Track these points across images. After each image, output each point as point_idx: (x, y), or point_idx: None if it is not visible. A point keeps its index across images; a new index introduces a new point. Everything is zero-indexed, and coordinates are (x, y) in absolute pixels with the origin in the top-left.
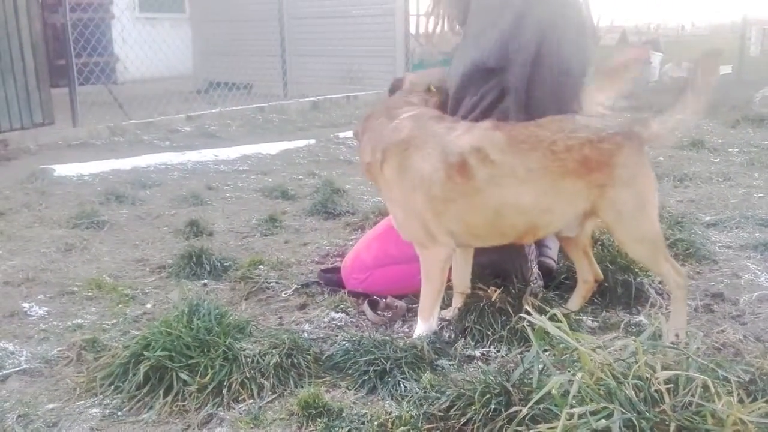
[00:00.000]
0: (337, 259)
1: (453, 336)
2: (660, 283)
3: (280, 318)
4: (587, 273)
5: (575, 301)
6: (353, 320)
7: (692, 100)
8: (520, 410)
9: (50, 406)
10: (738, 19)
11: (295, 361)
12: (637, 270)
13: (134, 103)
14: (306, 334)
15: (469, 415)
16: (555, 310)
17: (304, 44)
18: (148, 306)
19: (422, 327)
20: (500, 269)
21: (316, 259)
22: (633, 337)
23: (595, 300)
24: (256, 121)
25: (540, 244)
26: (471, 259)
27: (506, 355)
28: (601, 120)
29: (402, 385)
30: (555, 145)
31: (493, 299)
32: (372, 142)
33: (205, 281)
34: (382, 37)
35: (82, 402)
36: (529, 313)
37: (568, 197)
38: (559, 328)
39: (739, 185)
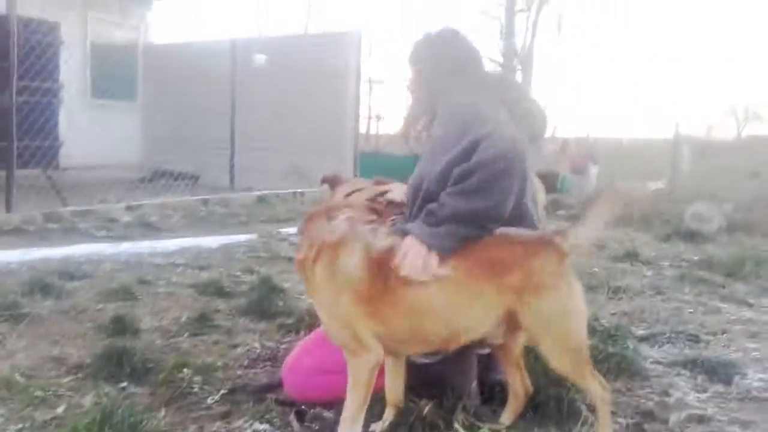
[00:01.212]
0: (267, 363)
1: None
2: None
3: (200, 428)
4: (519, 386)
5: (507, 416)
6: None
7: (598, 218)
8: None
9: None
10: (670, 135)
11: None
12: (569, 385)
13: (75, 190)
14: None
15: None
16: (485, 428)
17: (254, 138)
18: (59, 410)
19: None
20: (447, 383)
21: (245, 363)
22: None
23: (527, 415)
24: (199, 213)
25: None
26: (403, 370)
27: None
28: (523, 231)
29: None
30: (465, 248)
31: (424, 413)
32: (309, 239)
33: (124, 384)
34: (331, 135)
35: None
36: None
37: (480, 302)
38: None
39: (670, 299)
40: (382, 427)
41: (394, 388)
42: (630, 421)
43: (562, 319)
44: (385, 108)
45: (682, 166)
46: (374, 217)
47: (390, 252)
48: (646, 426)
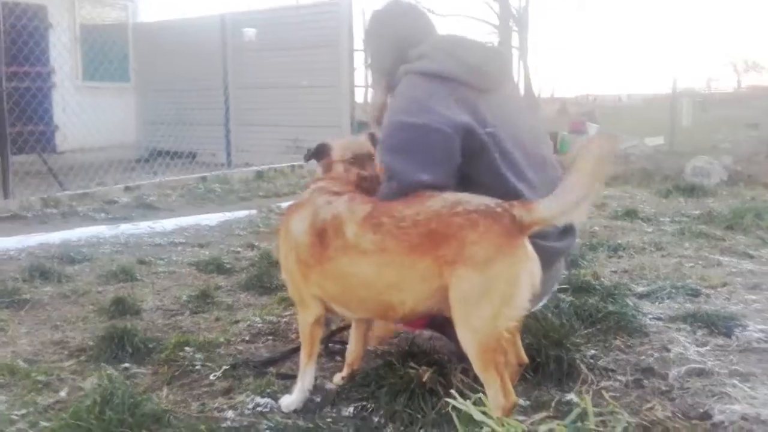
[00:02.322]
0: (269, 337)
1: (383, 420)
2: (592, 358)
3: (203, 405)
4: (511, 356)
5: None
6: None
7: (578, 182)
8: None
9: None
10: (669, 90)
11: None
12: (569, 345)
13: (72, 173)
14: (228, 422)
15: None
16: (481, 393)
17: (249, 113)
18: (62, 394)
19: (295, 390)
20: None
21: (247, 338)
22: (557, 422)
23: (527, 376)
24: (198, 191)
25: None
26: (364, 334)
27: None
28: (478, 198)
29: None
30: (403, 221)
31: (424, 380)
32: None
33: (127, 365)
34: (327, 107)
35: None
36: (454, 397)
37: (417, 274)
38: (484, 412)
39: (670, 255)
40: (336, 380)
41: (354, 350)
42: (629, 378)
43: (481, 297)
44: None
45: (682, 121)
46: (349, 188)
47: (333, 222)
48: (645, 382)
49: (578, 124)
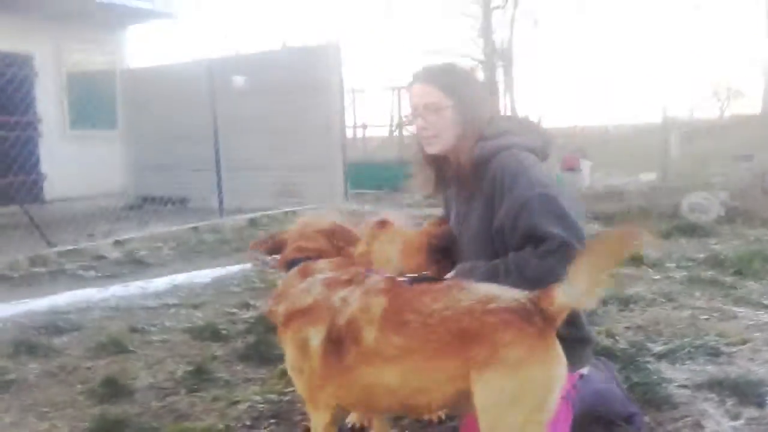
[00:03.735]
0: (272, 421)
1: None
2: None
3: None
4: None
5: None
6: None
7: (588, 269)
8: None
9: None
10: (654, 119)
11: None
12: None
13: (60, 224)
14: None
15: None
16: None
17: (240, 158)
18: None
19: None
20: None
21: (248, 423)
22: None
23: None
24: (190, 243)
25: None
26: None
27: None
28: (506, 291)
29: None
30: (431, 317)
31: None
32: (280, 290)
33: None
34: (319, 149)
35: None
36: None
37: (445, 376)
38: None
39: (683, 306)
40: None
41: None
42: None
43: (512, 403)
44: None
45: (670, 152)
46: (353, 274)
47: (350, 328)
48: None
49: (571, 160)
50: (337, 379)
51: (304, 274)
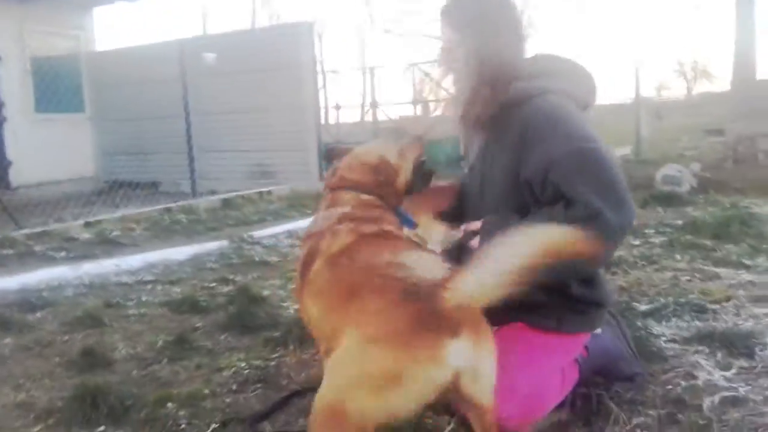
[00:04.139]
0: (258, 385)
1: None
2: (617, 390)
3: None
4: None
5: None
6: None
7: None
8: None
9: None
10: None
11: None
12: (596, 380)
13: (27, 210)
14: None
15: None
16: None
17: (212, 140)
18: None
19: None
20: None
21: (234, 388)
22: None
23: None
24: (163, 223)
25: None
26: None
27: None
28: (439, 268)
29: None
30: (356, 266)
31: None
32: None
33: (102, 428)
34: (293, 130)
35: None
36: None
37: (337, 325)
38: None
39: (665, 268)
40: None
41: None
42: (661, 411)
43: (342, 364)
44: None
45: (641, 130)
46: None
47: (311, 255)
48: (680, 416)
49: None
50: (300, 300)
51: (333, 203)
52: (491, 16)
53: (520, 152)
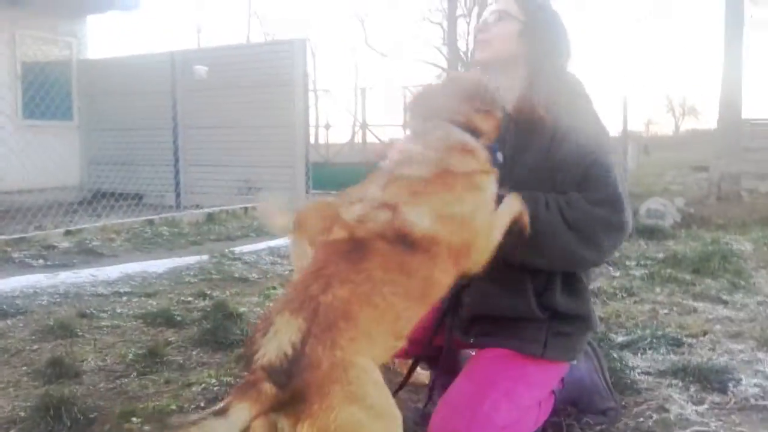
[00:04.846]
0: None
1: None
2: (587, 421)
3: None
4: None
5: None
6: None
7: None
8: None
9: None
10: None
11: None
12: (567, 409)
13: (8, 216)
14: None
15: None
16: None
17: (199, 154)
18: None
19: None
20: None
21: (202, 404)
22: None
23: None
24: (144, 235)
25: None
26: None
27: None
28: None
29: None
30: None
31: None
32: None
33: None
34: (281, 147)
35: None
36: None
37: None
38: None
39: (644, 301)
40: None
41: None
42: None
43: None
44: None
45: (627, 163)
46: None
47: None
48: None
49: None
50: None
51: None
52: (552, 23)
53: (553, 151)
